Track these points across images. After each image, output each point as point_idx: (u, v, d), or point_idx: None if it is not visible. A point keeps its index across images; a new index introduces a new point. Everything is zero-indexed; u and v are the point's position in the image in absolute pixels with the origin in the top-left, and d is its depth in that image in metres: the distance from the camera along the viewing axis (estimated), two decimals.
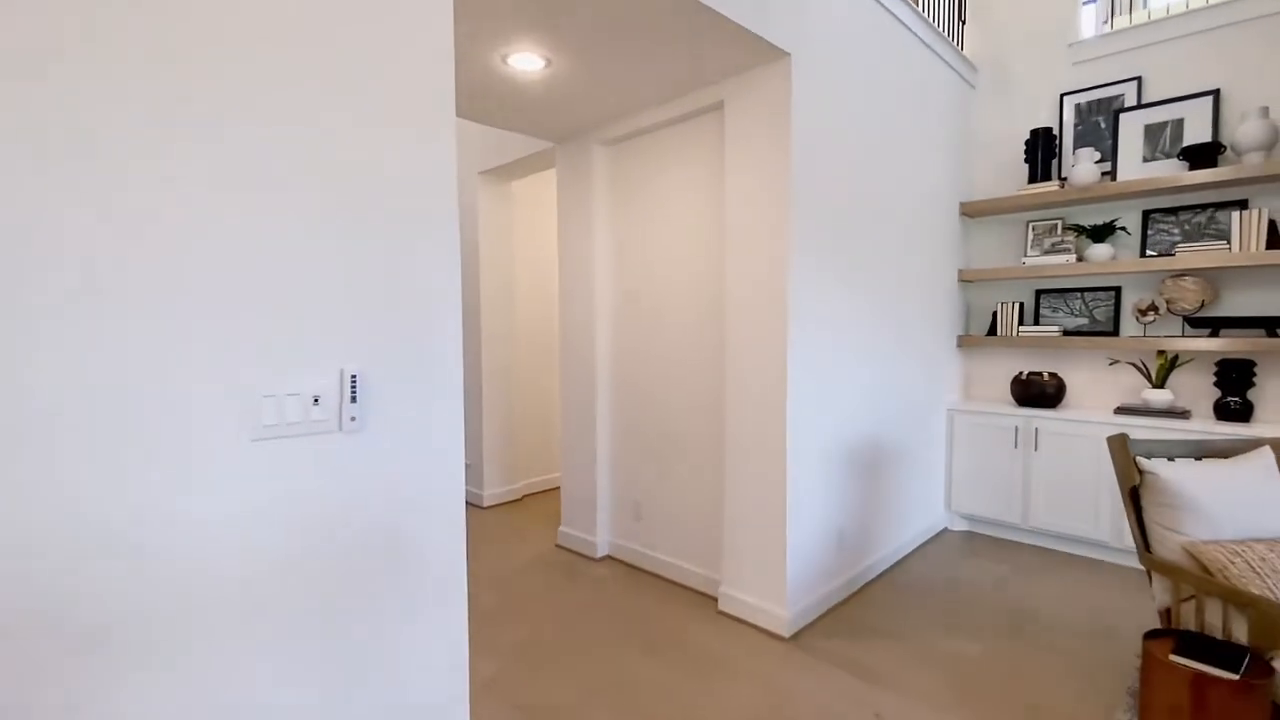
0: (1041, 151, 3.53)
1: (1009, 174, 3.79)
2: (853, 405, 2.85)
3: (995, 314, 3.72)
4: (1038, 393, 3.48)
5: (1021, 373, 3.57)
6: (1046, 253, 3.56)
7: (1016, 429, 3.46)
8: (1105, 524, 3.20)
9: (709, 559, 2.88)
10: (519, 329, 4.57)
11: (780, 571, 2.49)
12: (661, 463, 3.08)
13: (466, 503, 4.40)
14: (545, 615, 2.68)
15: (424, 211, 1.31)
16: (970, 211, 3.77)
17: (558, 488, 4.79)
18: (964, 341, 3.83)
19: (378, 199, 1.24)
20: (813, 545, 2.62)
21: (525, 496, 4.55)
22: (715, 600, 2.79)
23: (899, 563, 3.23)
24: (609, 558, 3.32)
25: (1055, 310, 3.63)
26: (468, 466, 4.45)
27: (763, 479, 2.53)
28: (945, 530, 3.74)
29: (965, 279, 3.80)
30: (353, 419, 1.22)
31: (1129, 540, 3.12)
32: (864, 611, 2.69)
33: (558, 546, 3.50)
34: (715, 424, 2.84)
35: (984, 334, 3.87)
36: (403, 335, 1.29)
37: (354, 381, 1.21)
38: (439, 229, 1.34)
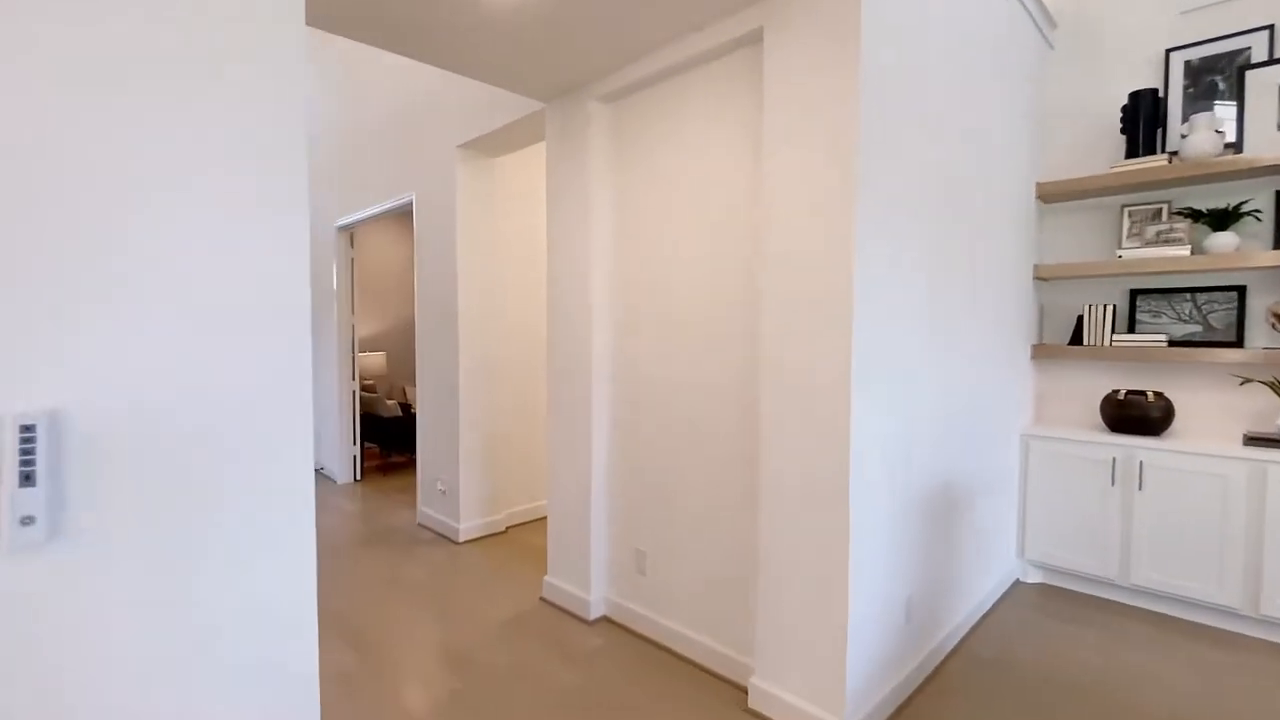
0: (1144, 120, 2.87)
1: (1095, 150, 3.12)
2: (923, 433, 2.19)
3: (1080, 319, 3.05)
4: (1138, 416, 2.80)
5: (1118, 391, 2.89)
6: (1149, 244, 2.89)
7: (1114, 461, 2.78)
8: (1234, 586, 2.52)
9: (736, 634, 2.20)
10: (504, 330, 3.91)
11: (838, 661, 1.82)
12: (673, 504, 2.41)
13: (439, 535, 3.73)
14: (521, 709, 2.01)
15: (224, 111, 0.66)
16: (1049, 194, 3.11)
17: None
18: (1039, 351, 3.16)
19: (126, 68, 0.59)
20: (878, 622, 1.95)
21: (510, 528, 3.88)
22: (744, 692, 2.11)
23: (973, 630, 2.56)
24: (605, 620, 2.65)
25: (1157, 315, 2.96)
26: (441, 493, 3.79)
27: (815, 535, 1.87)
28: (1018, 583, 3.06)
29: (1041, 276, 3.13)
30: (27, 521, 0.56)
31: (1267, 608, 2.44)
32: (945, 710, 2.02)
33: (542, 600, 2.83)
34: (746, 457, 2.17)
35: (1065, 342, 3.20)
36: (179, 348, 0.63)
37: (29, 439, 0.55)
38: (260, 150, 0.68)
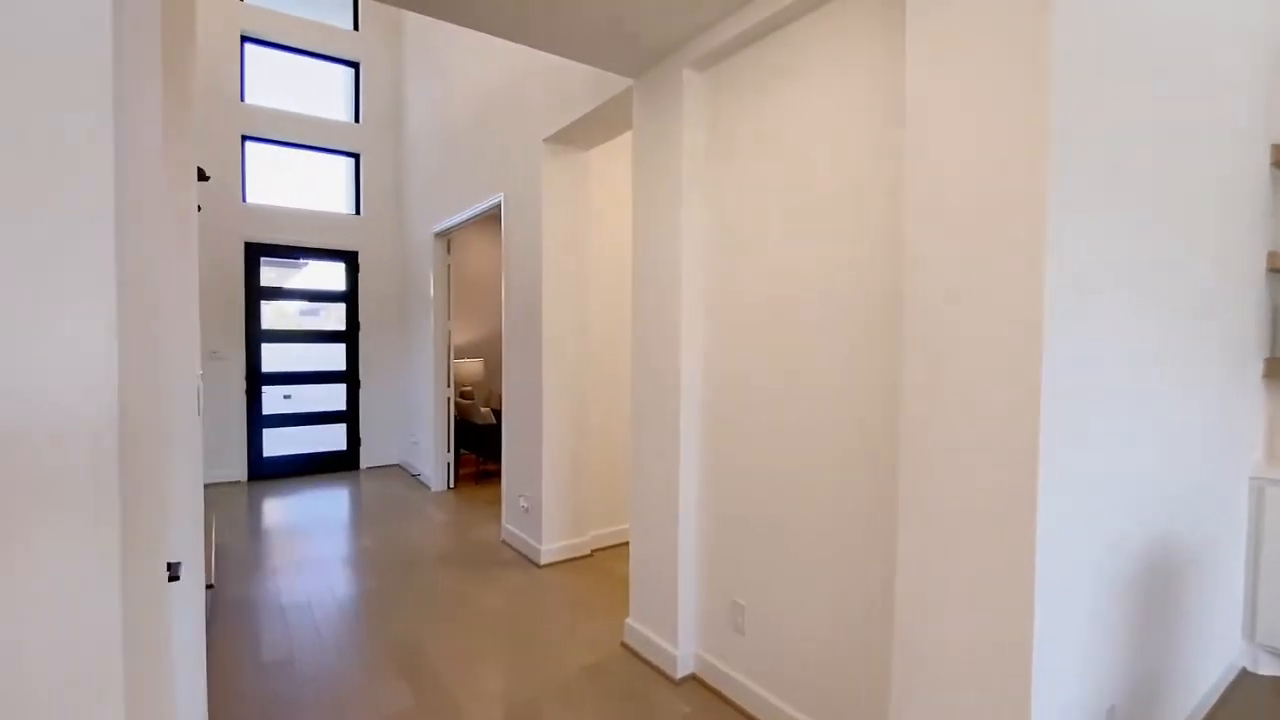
0: None
1: None
2: (1131, 483, 1.61)
3: None
4: None
5: None
6: None
7: None
8: None
9: None
10: (594, 337, 3.63)
11: None
12: (779, 552, 1.97)
13: (521, 555, 3.50)
14: None
15: None
16: None
17: None
18: (1274, 368, 2.39)
19: None
20: None
21: (595, 551, 3.58)
22: None
23: None
24: (694, 679, 2.25)
25: None
26: (524, 510, 3.56)
27: (981, 615, 1.37)
28: (1245, 674, 2.31)
29: (1278, 268, 2.37)
30: None
31: None
32: None
33: (624, 646, 2.48)
34: (878, 500, 1.70)
35: None
36: None
37: None
38: None
